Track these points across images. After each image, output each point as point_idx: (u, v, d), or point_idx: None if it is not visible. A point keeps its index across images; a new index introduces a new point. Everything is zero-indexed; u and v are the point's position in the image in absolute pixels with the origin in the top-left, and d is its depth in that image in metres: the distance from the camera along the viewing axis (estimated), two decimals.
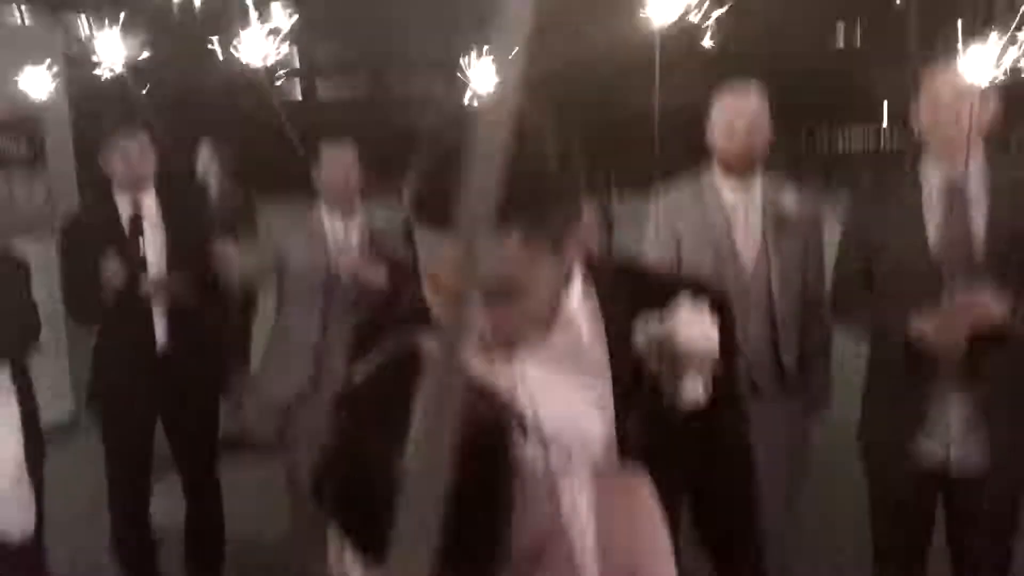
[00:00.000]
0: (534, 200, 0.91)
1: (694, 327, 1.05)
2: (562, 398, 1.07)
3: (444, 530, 0.80)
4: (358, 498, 0.83)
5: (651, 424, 1.08)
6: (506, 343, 1.01)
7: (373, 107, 33.56)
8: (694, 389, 1.05)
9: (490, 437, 0.85)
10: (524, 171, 0.90)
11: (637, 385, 1.07)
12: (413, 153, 0.96)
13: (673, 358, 1.05)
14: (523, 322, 1.00)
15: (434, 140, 0.96)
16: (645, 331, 1.06)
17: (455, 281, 0.93)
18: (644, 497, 0.99)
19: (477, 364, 0.93)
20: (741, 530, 1.37)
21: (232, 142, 4.81)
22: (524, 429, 0.90)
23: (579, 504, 0.94)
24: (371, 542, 0.87)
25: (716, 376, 1.08)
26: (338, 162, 3.09)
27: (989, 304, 2.12)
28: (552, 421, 1.05)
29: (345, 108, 35.00)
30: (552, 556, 0.93)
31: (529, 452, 0.91)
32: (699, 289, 1.12)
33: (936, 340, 2.18)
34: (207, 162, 4.73)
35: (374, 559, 0.91)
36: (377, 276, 2.92)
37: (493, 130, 0.98)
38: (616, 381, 1.07)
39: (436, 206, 0.91)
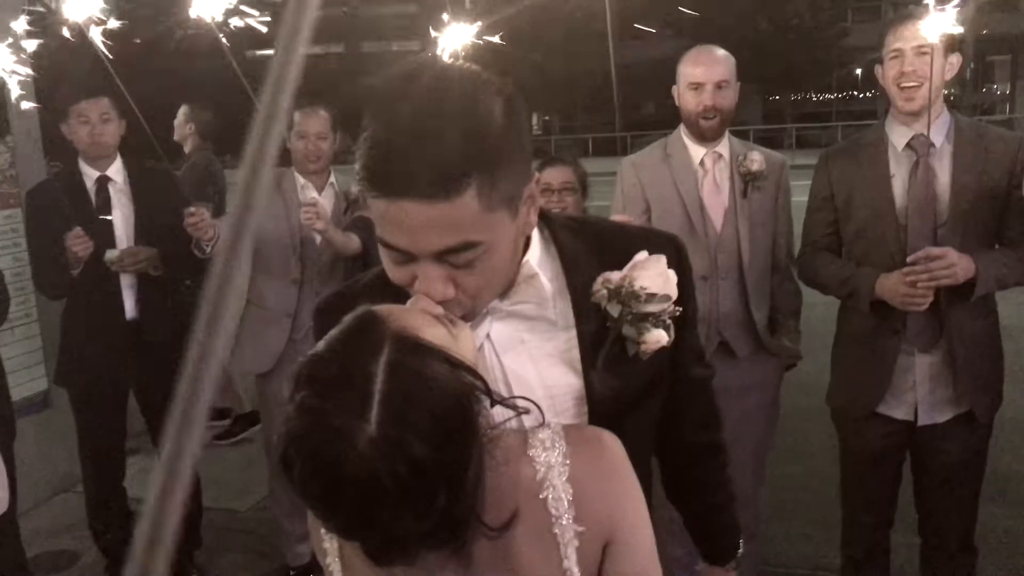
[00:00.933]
0: (487, 158, 0.89)
1: (652, 271, 1.09)
2: (528, 353, 1.07)
3: (415, 499, 0.80)
4: (324, 475, 0.81)
5: (618, 374, 1.09)
6: (469, 306, 0.99)
7: (344, 64, 33.12)
8: (658, 335, 1.08)
9: (455, 403, 0.83)
10: (475, 129, 0.89)
11: (602, 336, 1.08)
12: (361, 123, 0.93)
13: (635, 302, 1.07)
14: (485, 283, 0.98)
15: (378, 107, 0.93)
16: (606, 281, 1.08)
17: (407, 245, 0.92)
18: (618, 458, 0.98)
19: (438, 331, 0.90)
20: (710, 482, 1.37)
21: (207, 107, 4.74)
22: (489, 392, 0.88)
23: (551, 467, 0.93)
24: (339, 517, 0.85)
25: (676, 320, 1.11)
26: (311, 127, 3.05)
27: (951, 259, 2.14)
28: (519, 377, 1.06)
29: (316, 65, 34.53)
30: (527, 523, 0.91)
31: (497, 416, 0.90)
32: (654, 239, 1.16)
33: (899, 296, 2.20)
34: (182, 127, 4.66)
35: (343, 534, 0.90)
36: (350, 242, 2.89)
37: (434, 92, 0.94)
38: (581, 334, 1.08)
39: (384, 173, 0.89)
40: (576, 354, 1.08)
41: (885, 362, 2.35)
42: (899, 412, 2.38)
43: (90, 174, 3.03)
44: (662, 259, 1.10)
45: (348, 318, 0.90)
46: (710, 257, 2.53)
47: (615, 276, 1.08)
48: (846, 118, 28.74)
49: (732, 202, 2.57)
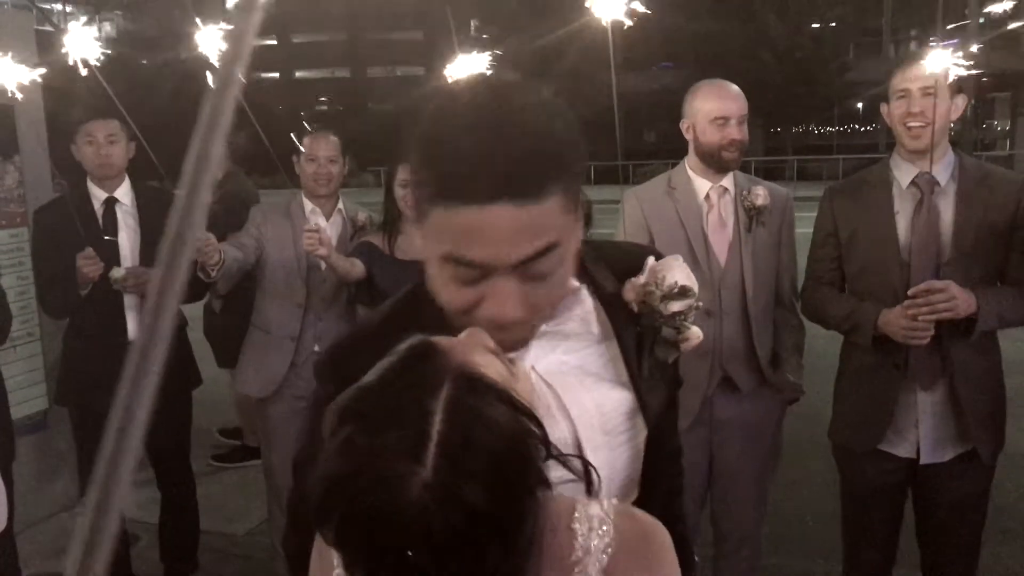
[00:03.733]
0: (567, 157, 0.89)
1: (675, 267, 1.10)
2: (573, 373, 1.04)
3: (466, 555, 0.73)
4: (369, 523, 0.73)
5: (660, 382, 1.10)
6: (529, 327, 0.96)
7: (351, 88, 33.31)
8: (696, 330, 1.10)
9: (515, 449, 0.76)
10: (555, 128, 0.88)
11: (640, 343, 1.09)
12: (415, 134, 0.89)
13: (673, 299, 1.08)
14: (553, 297, 0.95)
15: (446, 116, 0.89)
16: (634, 285, 1.09)
17: (490, 257, 0.88)
18: (666, 562, 0.89)
19: (498, 368, 0.83)
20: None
21: (240, 132, 4.71)
22: (547, 443, 0.81)
23: (590, 553, 0.84)
24: (377, 569, 0.76)
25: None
26: (320, 151, 3.07)
27: (952, 292, 2.14)
28: (575, 400, 1.02)
29: (323, 89, 34.69)
30: None
31: (552, 473, 0.84)
32: (655, 251, 1.16)
33: (900, 330, 2.21)
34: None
35: None
36: (354, 268, 2.90)
37: (507, 96, 0.89)
38: (623, 343, 1.08)
39: (472, 178, 0.84)
40: (621, 366, 1.07)
41: (888, 399, 2.35)
42: (902, 449, 2.38)
43: (98, 195, 3.05)
44: (678, 257, 1.12)
45: (402, 348, 0.82)
46: (714, 292, 2.54)
47: (640, 279, 1.09)
48: (847, 151, 28.92)
49: (736, 237, 2.58)
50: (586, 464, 0.91)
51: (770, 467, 2.75)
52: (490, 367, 0.81)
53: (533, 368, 1.02)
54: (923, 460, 2.36)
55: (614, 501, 0.90)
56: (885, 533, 2.49)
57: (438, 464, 0.71)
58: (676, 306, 1.08)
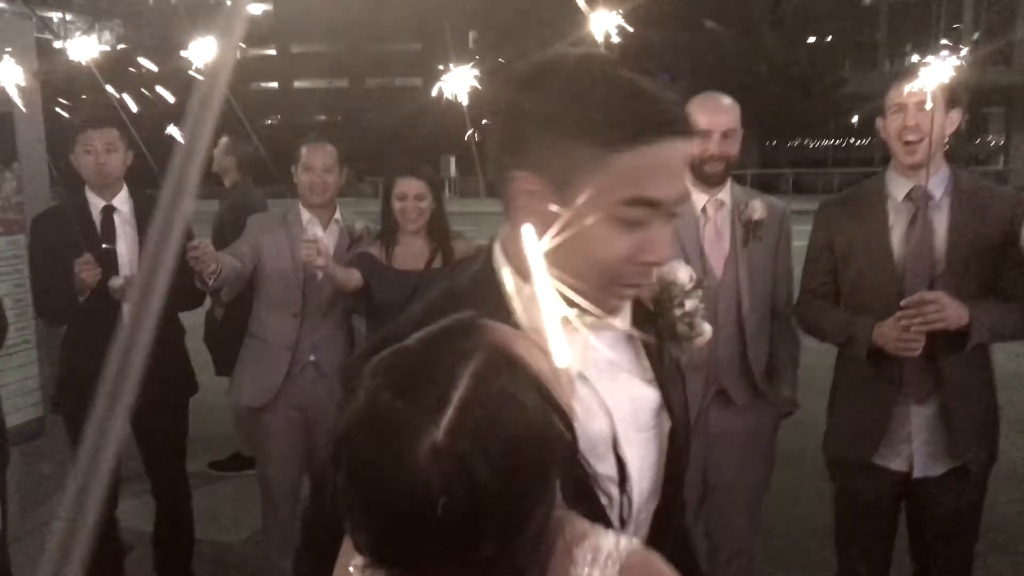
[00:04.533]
0: None
1: (681, 271, 1.16)
2: (612, 370, 1.07)
3: (459, 535, 0.71)
4: (371, 478, 0.72)
5: (678, 382, 1.15)
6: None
7: (349, 98, 33.34)
8: (707, 326, 1.16)
9: (535, 440, 0.74)
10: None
11: (659, 343, 1.13)
12: (556, 97, 0.92)
13: (688, 297, 1.13)
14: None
15: (587, 71, 0.93)
16: (648, 285, 1.13)
17: (671, 193, 0.94)
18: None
19: (541, 362, 0.80)
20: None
21: (250, 140, 4.70)
22: (575, 452, 0.79)
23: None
24: (370, 533, 0.75)
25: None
26: (317, 160, 3.08)
27: (943, 302, 2.16)
28: (613, 396, 1.04)
29: (321, 98, 34.72)
30: None
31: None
32: None
33: (893, 342, 2.22)
34: (223, 159, 4.63)
35: (369, 552, 0.78)
36: (351, 278, 2.91)
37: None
38: (645, 342, 1.12)
39: (659, 114, 0.92)
40: (645, 362, 1.10)
41: (881, 412, 2.36)
42: (895, 463, 2.39)
43: (96, 203, 3.06)
44: (680, 259, 1.18)
45: (450, 319, 0.82)
46: (709, 305, 2.54)
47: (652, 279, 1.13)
48: (843, 164, 29.04)
49: (733, 250, 2.59)
50: (620, 461, 0.92)
51: (765, 481, 2.76)
52: (534, 359, 0.79)
53: (587, 348, 1.04)
54: (916, 474, 2.37)
55: (635, 541, 0.86)
56: (878, 547, 2.50)
57: (452, 428, 0.70)
58: (689, 304, 1.13)
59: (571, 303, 0.96)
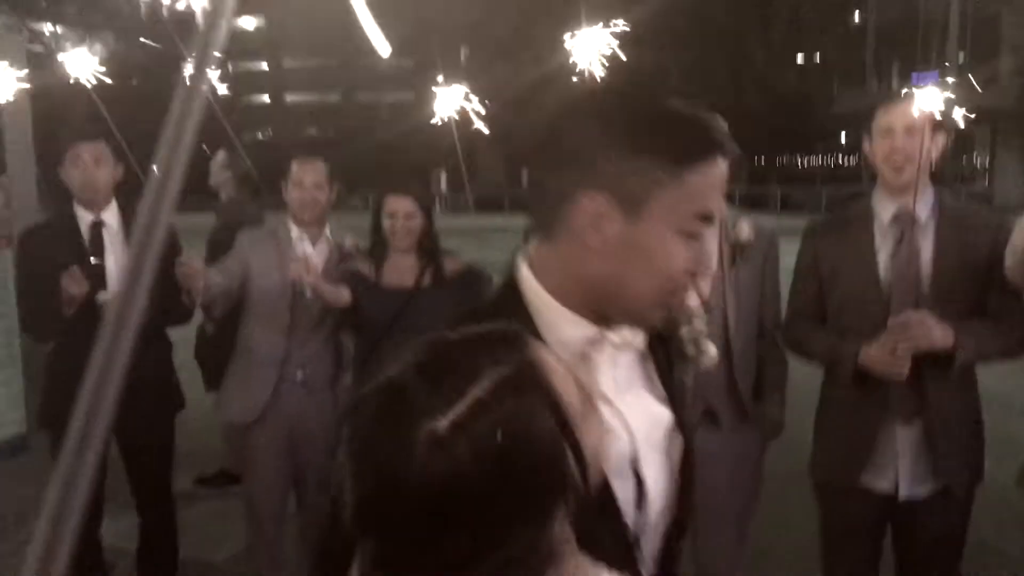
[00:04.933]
0: None
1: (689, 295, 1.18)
2: (635, 388, 1.10)
3: (430, 534, 0.71)
4: (368, 454, 0.72)
5: (684, 404, 1.16)
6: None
7: (340, 112, 33.39)
8: (713, 348, 1.21)
9: (537, 463, 0.73)
10: None
11: (669, 362, 1.16)
12: (619, 125, 0.97)
13: (687, 320, 1.16)
14: None
15: (645, 95, 1.00)
16: None
17: (720, 206, 1.03)
18: None
19: (572, 394, 0.79)
20: None
21: (248, 154, 4.68)
22: (574, 488, 0.78)
23: None
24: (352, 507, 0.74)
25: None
26: (307, 177, 3.08)
27: (929, 323, 2.17)
28: (635, 414, 1.05)
29: (312, 113, 34.80)
30: None
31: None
32: None
33: (879, 363, 2.23)
34: (219, 174, 4.60)
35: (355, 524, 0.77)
36: (340, 295, 2.91)
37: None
38: (657, 362, 1.14)
39: (714, 133, 0.99)
40: (658, 382, 1.12)
41: (867, 434, 2.37)
42: (880, 484, 2.39)
43: (84, 217, 3.04)
44: None
45: (496, 325, 0.82)
46: None
47: None
48: (831, 182, 29.19)
49: (720, 271, 2.60)
50: (639, 480, 0.93)
51: (751, 504, 2.75)
52: (568, 389, 0.78)
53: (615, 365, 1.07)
54: (902, 495, 2.38)
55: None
56: (864, 569, 2.51)
57: (456, 423, 0.70)
58: (698, 324, 1.16)
59: (605, 320, 1.01)
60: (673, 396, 1.12)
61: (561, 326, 1.00)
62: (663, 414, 1.11)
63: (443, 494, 0.69)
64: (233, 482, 4.33)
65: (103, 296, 2.91)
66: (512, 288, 1.06)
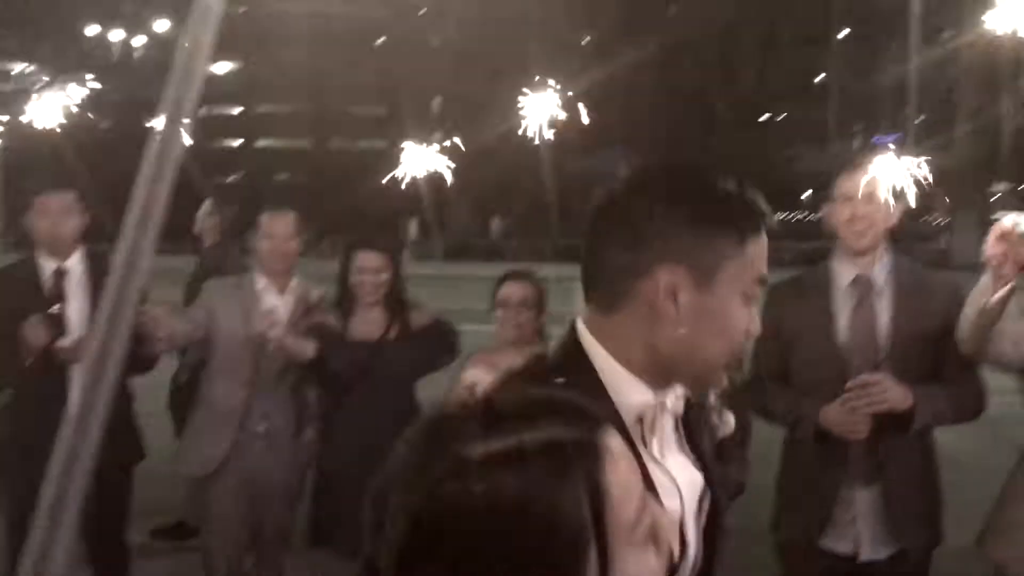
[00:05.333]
0: None
1: None
2: (673, 449, 1.14)
3: (434, 559, 0.68)
4: (411, 457, 0.72)
5: (714, 467, 1.22)
6: None
7: (312, 158, 33.43)
8: (732, 417, 1.26)
9: (556, 539, 0.68)
10: None
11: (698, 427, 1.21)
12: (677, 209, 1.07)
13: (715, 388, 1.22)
14: None
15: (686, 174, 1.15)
16: None
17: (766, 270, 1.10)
18: None
19: (633, 484, 0.76)
20: None
21: (232, 203, 4.81)
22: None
23: None
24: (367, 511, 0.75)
25: None
26: (277, 228, 3.08)
27: (885, 385, 2.21)
28: (680, 476, 1.10)
29: (284, 159, 34.83)
30: None
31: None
32: None
33: (838, 423, 2.26)
34: (204, 220, 4.70)
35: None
36: (305, 349, 2.89)
37: None
38: (687, 424, 1.18)
39: (762, 207, 1.10)
40: (688, 447, 1.16)
41: (827, 495, 2.39)
42: (841, 546, 2.40)
43: (47, 266, 3.01)
44: None
45: (583, 397, 0.78)
46: None
47: None
48: (794, 237, 29.64)
49: None
50: (684, 542, 0.97)
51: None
52: (624, 484, 0.72)
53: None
54: (862, 557, 2.39)
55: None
56: None
57: (489, 458, 0.67)
58: (719, 394, 1.18)
59: (663, 385, 1.08)
60: (703, 460, 1.17)
61: (626, 390, 1.06)
62: (697, 476, 1.15)
63: (439, 515, 0.67)
64: (192, 535, 4.23)
65: (64, 342, 2.87)
66: (577, 350, 1.10)
